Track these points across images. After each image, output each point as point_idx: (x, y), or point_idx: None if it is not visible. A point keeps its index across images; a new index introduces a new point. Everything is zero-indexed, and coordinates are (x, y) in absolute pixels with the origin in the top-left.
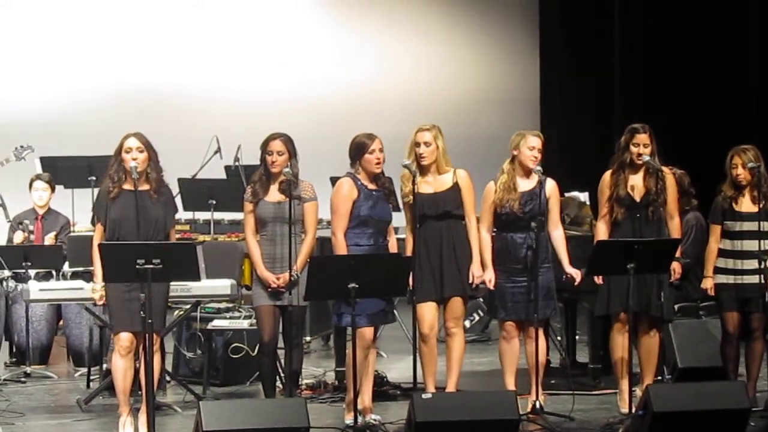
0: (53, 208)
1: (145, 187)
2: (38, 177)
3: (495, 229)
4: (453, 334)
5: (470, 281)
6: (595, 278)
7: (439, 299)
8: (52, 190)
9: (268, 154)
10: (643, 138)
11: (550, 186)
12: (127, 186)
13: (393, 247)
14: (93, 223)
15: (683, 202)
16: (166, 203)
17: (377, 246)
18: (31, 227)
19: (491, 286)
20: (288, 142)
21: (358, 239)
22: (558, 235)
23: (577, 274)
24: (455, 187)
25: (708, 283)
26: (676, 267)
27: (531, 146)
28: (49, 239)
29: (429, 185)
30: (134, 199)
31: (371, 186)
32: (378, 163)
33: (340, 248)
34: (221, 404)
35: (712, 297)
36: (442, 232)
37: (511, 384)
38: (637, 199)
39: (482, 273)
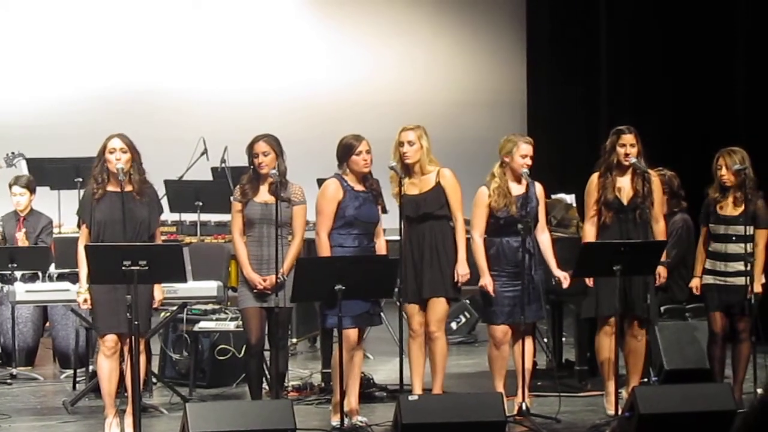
0: (36, 209)
1: (128, 188)
2: (15, 182)
3: (486, 234)
4: (435, 338)
5: (455, 280)
6: (586, 280)
7: (419, 301)
8: (32, 192)
9: (254, 157)
10: (628, 138)
11: (538, 189)
12: (111, 188)
13: (381, 249)
14: (78, 226)
15: (672, 204)
16: (150, 204)
17: (362, 248)
18: None
19: (491, 291)
20: (273, 141)
21: (343, 240)
22: (545, 238)
23: (565, 278)
24: (437, 188)
25: (694, 283)
26: (661, 271)
27: (523, 154)
28: (20, 240)
29: (414, 186)
30: (120, 201)
31: (358, 187)
32: (365, 164)
33: (324, 249)
34: (207, 406)
35: (698, 298)
36: (425, 233)
37: (500, 387)
38: (625, 201)
39: (467, 271)
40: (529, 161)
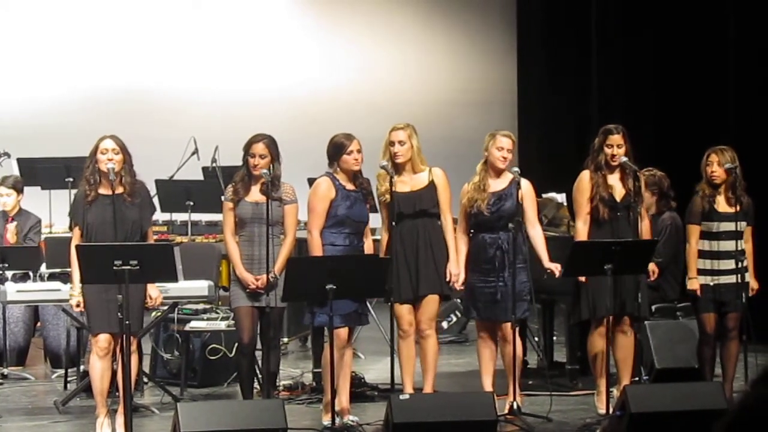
0: (24, 209)
1: (119, 190)
2: (2, 182)
3: (471, 231)
4: (426, 336)
5: (447, 279)
6: (580, 279)
7: (415, 298)
8: (19, 192)
9: (250, 156)
10: (616, 139)
11: (525, 186)
12: (102, 189)
13: (369, 249)
14: (70, 228)
15: (661, 204)
16: (141, 204)
17: (353, 247)
18: None
19: (458, 286)
20: (271, 144)
21: (334, 239)
22: (536, 233)
23: (557, 268)
24: (431, 186)
25: (694, 285)
26: (653, 268)
27: (499, 146)
28: (11, 231)
29: (405, 184)
30: (111, 203)
31: (349, 186)
32: (356, 163)
33: (316, 247)
34: (199, 405)
35: (689, 298)
36: (418, 230)
37: (488, 384)
38: (618, 200)
39: (458, 271)
40: (506, 154)
